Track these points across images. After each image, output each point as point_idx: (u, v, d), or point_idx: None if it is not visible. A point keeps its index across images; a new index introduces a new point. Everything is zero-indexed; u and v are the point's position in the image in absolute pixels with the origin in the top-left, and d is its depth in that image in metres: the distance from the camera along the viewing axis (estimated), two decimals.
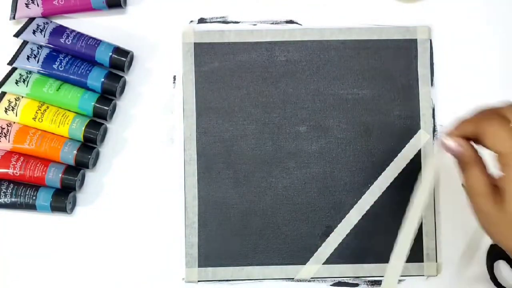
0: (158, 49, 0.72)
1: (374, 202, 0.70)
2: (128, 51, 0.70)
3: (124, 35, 0.72)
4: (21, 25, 0.70)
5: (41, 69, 0.69)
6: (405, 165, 0.70)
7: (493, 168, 0.51)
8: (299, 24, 0.72)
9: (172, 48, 0.72)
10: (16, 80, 0.69)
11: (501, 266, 0.69)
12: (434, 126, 0.71)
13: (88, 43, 0.69)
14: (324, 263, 0.70)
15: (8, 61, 0.69)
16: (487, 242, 0.69)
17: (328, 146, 0.71)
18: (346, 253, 0.70)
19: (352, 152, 0.71)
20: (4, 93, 0.69)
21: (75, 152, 0.68)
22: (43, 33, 0.69)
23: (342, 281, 0.70)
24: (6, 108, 0.69)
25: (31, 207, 0.67)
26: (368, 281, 0.70)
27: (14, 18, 0.70)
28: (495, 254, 0.69)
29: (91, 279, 0.70)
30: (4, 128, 0.68)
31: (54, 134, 0.69)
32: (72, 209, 0.69)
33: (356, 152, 0.71)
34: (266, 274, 0.70)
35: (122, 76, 0.71)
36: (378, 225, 0.70)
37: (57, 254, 0.70)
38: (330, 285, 0.70)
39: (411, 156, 0.70)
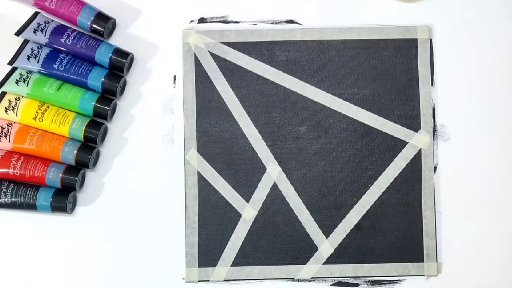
0: (158, 49, 0.72)
1: (374, 202, 0.70)
2: (128, 52, 0.70)
3: (124, 35, 0.72)
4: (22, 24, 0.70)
5: (41, 69, 0.69)
6: (405, 165, 0.70)
7: None
8: (299, 24, 0.72)
9: (172, 48, 0.72)
10: (17, 80, 0.69)
11: None
12: (434, 126, 0.71)
13: (89, 43, 0.69)
14: (324, 263, 0.70)
15: (8, 61, 0.69)
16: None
17: (328, 146, 0.71)
18: (346, 253, 0.70)
19: (352, 152, 0.71)
20: (4, 93, 0.69)
21: (75, 152, 0.68)
22: (44, 32, 0.69)
23: (342, 281, 0.70)
24: (6, 108, 0.69)
25: (31, 207, 0.67)
26: (368, 281, 0.70)
27: None
28: None
29: (92, 279, 0.70)
30: (4, 128, 0.68)
31: (55, 134, 0.69)
32: (72, 209, 0.70)
33: (356, 152, 0.71)
34: (266, 274, 0.70)
35: (123, 76, 0.71)
36: (378, 225, 0.70)
37: (57, 254, 0.70)
38: (330, 285, 0.70)
39: (411, 156, 0.70)
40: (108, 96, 0.70)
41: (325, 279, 0.70)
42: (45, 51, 0.69)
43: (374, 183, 0.70)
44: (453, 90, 0.72)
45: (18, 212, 0.70)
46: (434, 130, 0.71)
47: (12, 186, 0.67)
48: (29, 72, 0.69)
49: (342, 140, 0.71)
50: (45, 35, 0.69)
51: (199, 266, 0.69)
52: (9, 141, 0.68)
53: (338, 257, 0.70)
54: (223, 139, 0.71)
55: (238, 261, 0.70)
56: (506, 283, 0.70)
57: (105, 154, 0.71)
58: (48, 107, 0.69)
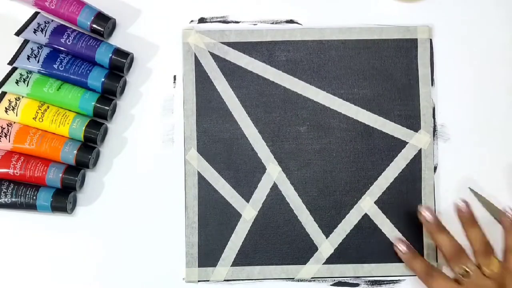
0: (158, 49, 0.72)
1: (374, 202, 0.70)
2: (129, 52, 0.70)
3: (124, 35, 0.72)
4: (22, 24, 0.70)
5: (41, 68, 0.69)
6: (405, 165, 0.70)
7: None
8: (299, 24, 0.72)
9: (172, 48, 0.72)
10: (17, 80, 0.69)
11: None
12: (434, 126, 0.71)
13: (89, 43, 0.69)
14: (324, 263, 0.70)
15: (8, 61, 0.69)
16: None
17: (328, 146, 0.71)
18: (346, 253, 0.70)
19: (352, 152, 0.71)
20: (4, 93, 0.69)
21: (75, 152, 0.68)
22: (44, 32, 0.69)
23: (342, 281, 0.70)
24: (6, 108, 0.69)
25: (31, 207, 0.67)
26: (368, 281, 0.70)
27: None
28: None
29: (92, 279, 0.70)
30: (4, 128, 0.68)
31: (55, 134, 0.69)
32: (72, 209, 0.70)
33: (356, 152, 0.71)
34: (266, 274, 0.70)
35: (123, 76, 0.71)
36: (378, 225, 0.70)
37: (57, 254, 0.70)
38: (330, 285, 0.70)
39: (411, 156, 0.70)
40: (108, 96, 0.70)
41: (325, 279, 0.70)
42: (45, 51, 0.69)
43: (374, 183, 0.70)
44: (453, 90, 0.72)
45: (18, 212, 0.70)
46: (434, 130, 0.71)
47: (12, 186, 0.67)
48: (29, 72, 0.69)
49: (342, 140, 0.71)
50: (45, 35, 0.69)
51: (199, 266, 0.69)
52: (9, 141, 0.68)
53: (338, 257, 0.70)
54: (223, 139, 0.71)
55: (238, 261, 0.70)
56: None
57: (105, 154, 0.71)
58: (48, 107, 0.69)
